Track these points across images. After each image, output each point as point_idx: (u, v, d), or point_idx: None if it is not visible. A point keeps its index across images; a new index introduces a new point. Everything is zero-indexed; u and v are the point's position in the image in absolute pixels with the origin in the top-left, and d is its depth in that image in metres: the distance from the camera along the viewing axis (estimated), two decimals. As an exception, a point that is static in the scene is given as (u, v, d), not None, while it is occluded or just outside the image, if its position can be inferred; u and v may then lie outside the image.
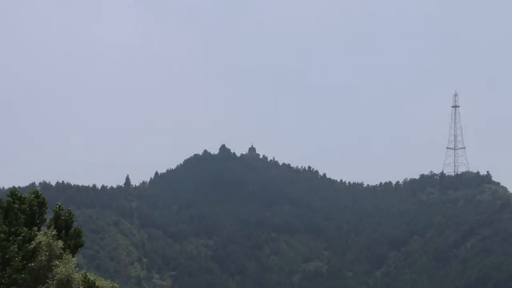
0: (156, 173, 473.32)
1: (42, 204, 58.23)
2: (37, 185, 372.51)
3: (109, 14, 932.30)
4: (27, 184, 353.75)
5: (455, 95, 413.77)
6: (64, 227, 59.34)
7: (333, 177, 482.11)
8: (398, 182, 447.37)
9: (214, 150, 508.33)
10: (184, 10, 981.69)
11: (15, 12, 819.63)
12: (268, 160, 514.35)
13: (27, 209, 56.04)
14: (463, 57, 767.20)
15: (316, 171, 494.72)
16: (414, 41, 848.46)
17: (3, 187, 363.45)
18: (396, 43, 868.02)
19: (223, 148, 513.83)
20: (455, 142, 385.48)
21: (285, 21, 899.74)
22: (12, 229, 53.15)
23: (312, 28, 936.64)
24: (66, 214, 59.30)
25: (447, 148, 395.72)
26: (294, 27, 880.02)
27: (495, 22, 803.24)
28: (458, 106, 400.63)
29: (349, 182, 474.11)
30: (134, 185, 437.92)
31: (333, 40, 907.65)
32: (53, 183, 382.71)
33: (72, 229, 60.24)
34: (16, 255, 51.53)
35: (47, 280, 54.71)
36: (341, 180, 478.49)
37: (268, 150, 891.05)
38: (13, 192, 56.05)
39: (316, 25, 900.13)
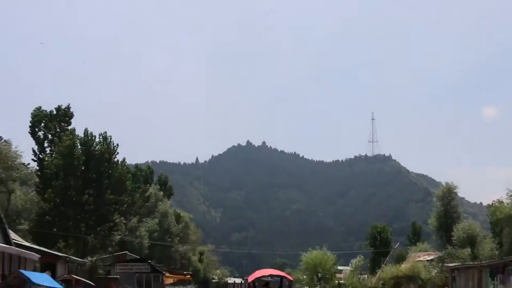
0: (212, 156, 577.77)
1: (151, 172, 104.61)
2: (149, 162, 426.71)
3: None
4: (144, 161, 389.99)
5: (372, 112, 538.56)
6: (163, 184, 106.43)
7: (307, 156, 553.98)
8: (342, 160, 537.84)
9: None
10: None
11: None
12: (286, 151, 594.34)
13: (144, 174, 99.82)
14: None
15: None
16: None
17: (132, 162, 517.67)
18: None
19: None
20: (372, 138, 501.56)
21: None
22: (136, 185, 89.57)
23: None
24: (164, 177, 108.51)
25: (368, 141, 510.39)
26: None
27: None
28: (374, 119, 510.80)
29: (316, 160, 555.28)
30: (200, 162, 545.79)
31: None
32: (157, 161, 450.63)
33: (167, 185, 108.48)
34: (139, 199, 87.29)
35: (155, 213, 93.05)
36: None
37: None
38: (137, 166, 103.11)
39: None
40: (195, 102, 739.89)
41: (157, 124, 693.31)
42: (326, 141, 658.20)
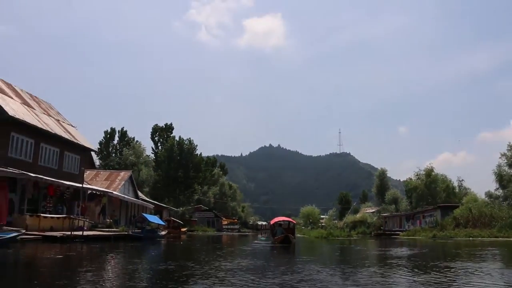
0: (249, 152, 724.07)
1: (215, 161, 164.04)
2: (214, 155, 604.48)
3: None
4: (211, 154, 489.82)
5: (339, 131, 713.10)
6: (222, 167, 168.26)
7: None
8: (323, 154, 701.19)
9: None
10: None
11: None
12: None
13: (211, 162, 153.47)
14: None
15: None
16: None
17: (205, 154, 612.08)
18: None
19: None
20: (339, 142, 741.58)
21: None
22: (207, 168, 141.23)
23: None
24: (223, 164, 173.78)
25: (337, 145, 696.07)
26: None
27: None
28: (340, 132, 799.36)
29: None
30: (243, 155, 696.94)
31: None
32: (219, 154, 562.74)
33: (225, 168, 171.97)
34: (208, 176, 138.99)
35: (217, 183, 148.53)
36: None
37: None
38: (208, 157, 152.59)
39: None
40: (241, 110, 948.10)
41: (218, 129, 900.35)
42: (315, 142, 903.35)
